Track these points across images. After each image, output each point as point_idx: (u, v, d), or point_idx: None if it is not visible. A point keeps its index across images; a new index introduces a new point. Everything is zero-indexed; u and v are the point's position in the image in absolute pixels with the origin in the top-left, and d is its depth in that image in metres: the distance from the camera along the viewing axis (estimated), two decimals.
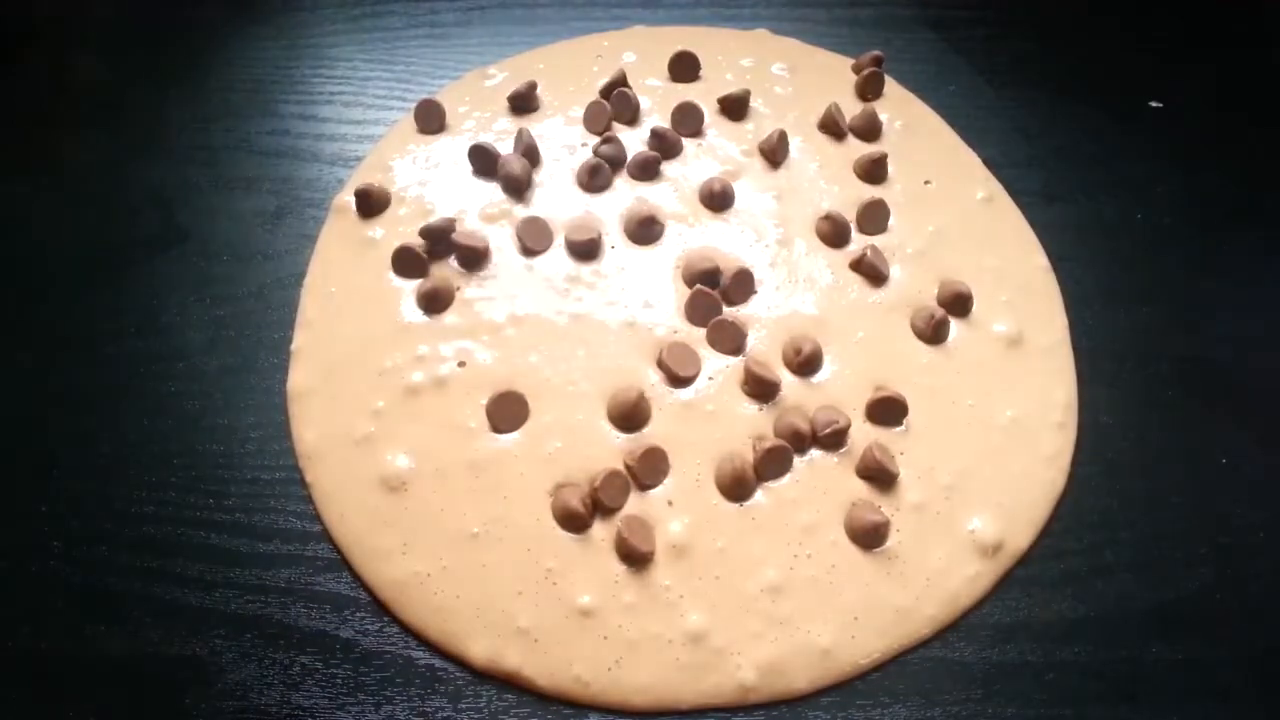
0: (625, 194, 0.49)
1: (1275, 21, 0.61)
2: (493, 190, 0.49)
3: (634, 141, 0.51)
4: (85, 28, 0.60)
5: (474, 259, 0.46)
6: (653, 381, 0.42)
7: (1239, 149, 0.54)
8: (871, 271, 0.46)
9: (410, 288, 0.45)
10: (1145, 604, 0.38)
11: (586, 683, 0.35)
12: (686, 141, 0.51)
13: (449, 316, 0.44)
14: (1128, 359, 0.45)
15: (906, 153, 0.51)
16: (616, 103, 0.52)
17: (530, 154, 0.50)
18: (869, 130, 0.52)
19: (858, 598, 0.37)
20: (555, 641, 0.36)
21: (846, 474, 0.40)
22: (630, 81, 0.53)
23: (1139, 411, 0.44)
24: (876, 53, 0.55)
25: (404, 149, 0.51)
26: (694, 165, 0.50)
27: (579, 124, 0.52)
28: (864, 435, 0.41)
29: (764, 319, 0.44)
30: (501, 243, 0.47)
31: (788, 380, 0.43)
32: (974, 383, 0.43)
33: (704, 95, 0.53)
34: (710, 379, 0.42)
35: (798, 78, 0.55)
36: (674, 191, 0.49)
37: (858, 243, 0.48)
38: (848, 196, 0.49)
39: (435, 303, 0.45)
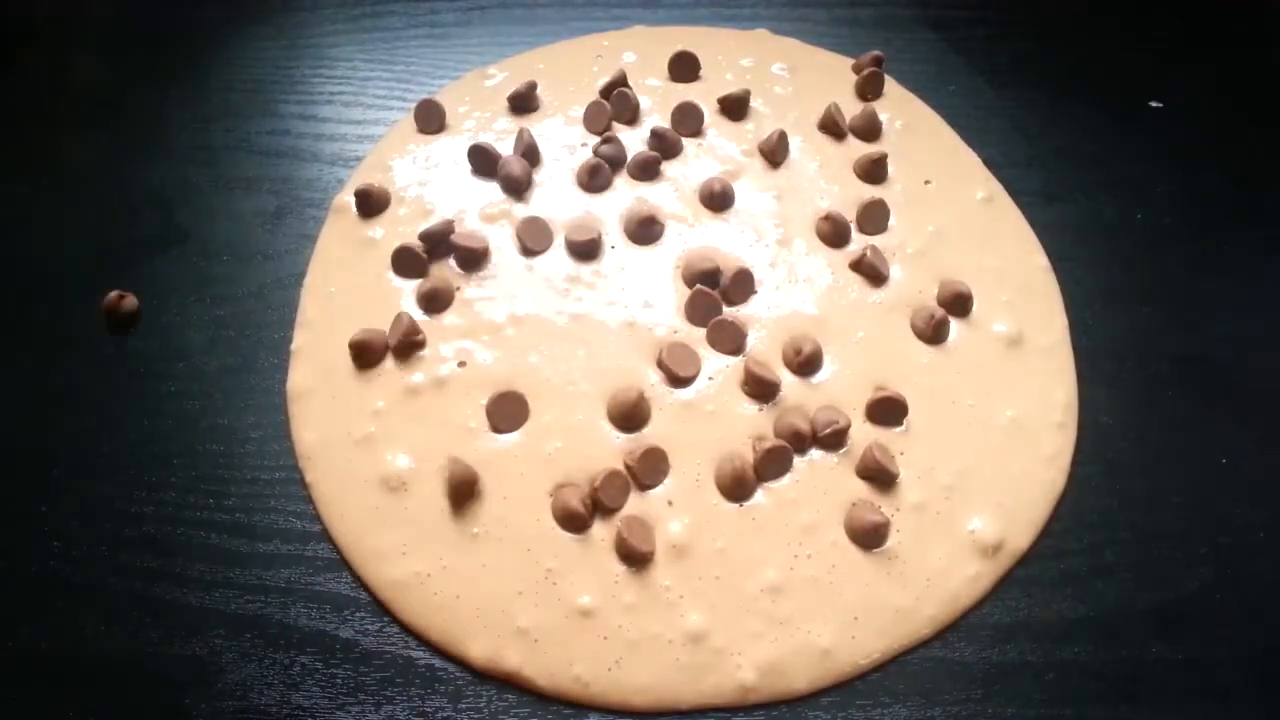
0: (625, 194, 0.49)
1: (1275, 21, 0.61)
2: (492, 190, 0.49)
3: (634, 141, 0.51)
4: (85, 28, 0.60)
5: (473, 260, 0.46)
6: (653, 381, 0.42)
7: (1239, 149, 0.54)
8: (871, 271, 0.46)
9: (410, 288, 0.45)
10: (1145, 604, 0.38)
11: (586, 683, 0.35)
12: (686, 141, 0.51)
13: (449, 316, 0.44)
14: (1128, 359, 0.45)
15: (906, 153, 0.51)
16: (616, 103, 0.52)
17: (530, 154, 0.50)
18: (869, 130, 0.52)
19: (858, 598, 0.37)
20: (555, 641, 0.36)
21: (846, 474, 0.40)
22: (630, 81, 0.53)
23: (1139, 411, 0.44)
24: (876, 53, 0.55)
25: (404, 149, 0.51)
26: (694, 165, 0.50)
27: (579, 124, 0.52)
28: (864, 435, 0.41)
29: (764, 319, 0.44)
30: (501, 243, 0.47)
31: (788, 380, 0.43)
32: (974, 383, 0.43)
33: (704, 95, 0.53)
34: (710, 379, 0.42)
35: (798, 78, 0.55)
36: (674, 191, 0.49)
37: (858, 243, 0.48)
38: (848, 196, 0.49)
39: (435, 303, 0.45)
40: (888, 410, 0.42)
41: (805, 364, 0.43)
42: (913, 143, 0.52)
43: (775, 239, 0.47)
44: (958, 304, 0.45)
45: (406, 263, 0.46)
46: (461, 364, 0.43)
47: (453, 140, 0.51)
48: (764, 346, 0.44)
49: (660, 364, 0.43)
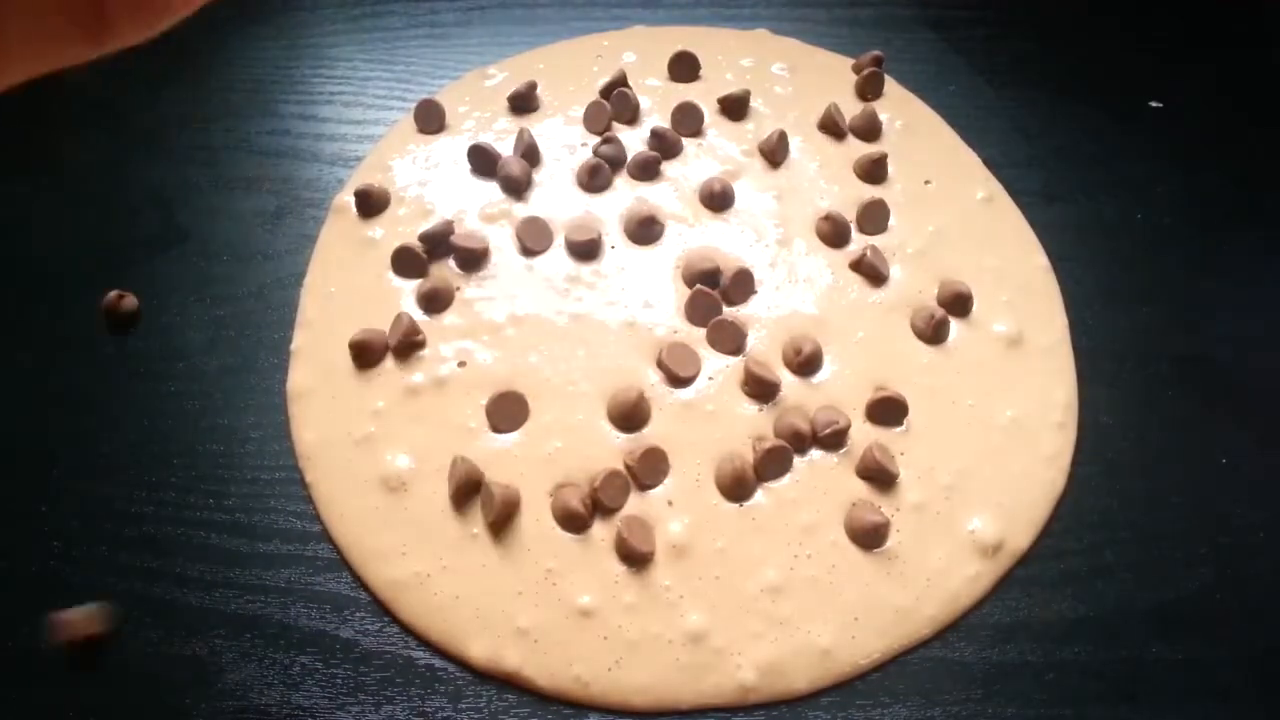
0: (625, 194, 0.49)
1: (1275, 21, 0.61)
2: (492, 190, 0.49)
3: (634, 141, 0.51)
4: None
5: (472, 261, 0.46)
6: (653, 381, 0.42)
7: (1239, 149, 0.54)
8: (871, 271, 0.46)
9: (410, 288, 0.45)
10: (1145, 604, 0.38)
11: (586, 683, 0.35)
12: (686, 141, 0.51)
13: (449, 316, 0.44)
14: (1128, 359, 0.45)
15: (906, 153, 0.51)
16: (616, 103, 0.52)
17: (530, 154, 0.50)
18: (869, 130, 0.52)
19: (858, 598, 0.37)
20: (555, 641, 0.36)
21: (846, 474, 0.40)
22: (630, 81, 0.53)
23: (1139, 411, 0.44)
24: (876, 53, 0.55)
25: (404, 149, 0.51)
26: (694, 165, 0.50)
27: (579, 124, 0.52)
28: (864, 435, 0.41)
29: (764, 319, 0.44)
30: (501, 243, 0.47)
31: (788, 380, 0.43)
32: (974, 383, 0.43)
33: (704, 95, 0.53)
34: (710, 379, 0.42)
35: (798, 78, 0.55)
36: (674, 191, 0.49)
37: (858, 243, 0.48)
38: (848, 196, 0.49)
39: (435, 303, 0.45)
40: (888, 410, 0.42)
41: (805, 364, 0.43)
42: (913, 143, 0.52)
43: (775, 239, 0.47)
44: (958, 304, 0.45)
45: (406, 263, 0.46)
46: (461, 364, 0.43)
47: (453, 140, 0.51)
48: (764, 346, 0.44)
49: (660, 364, 0.42)
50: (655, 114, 0.52)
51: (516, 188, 0.48)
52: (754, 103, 0.53)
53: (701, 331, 0.44)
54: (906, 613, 0.37)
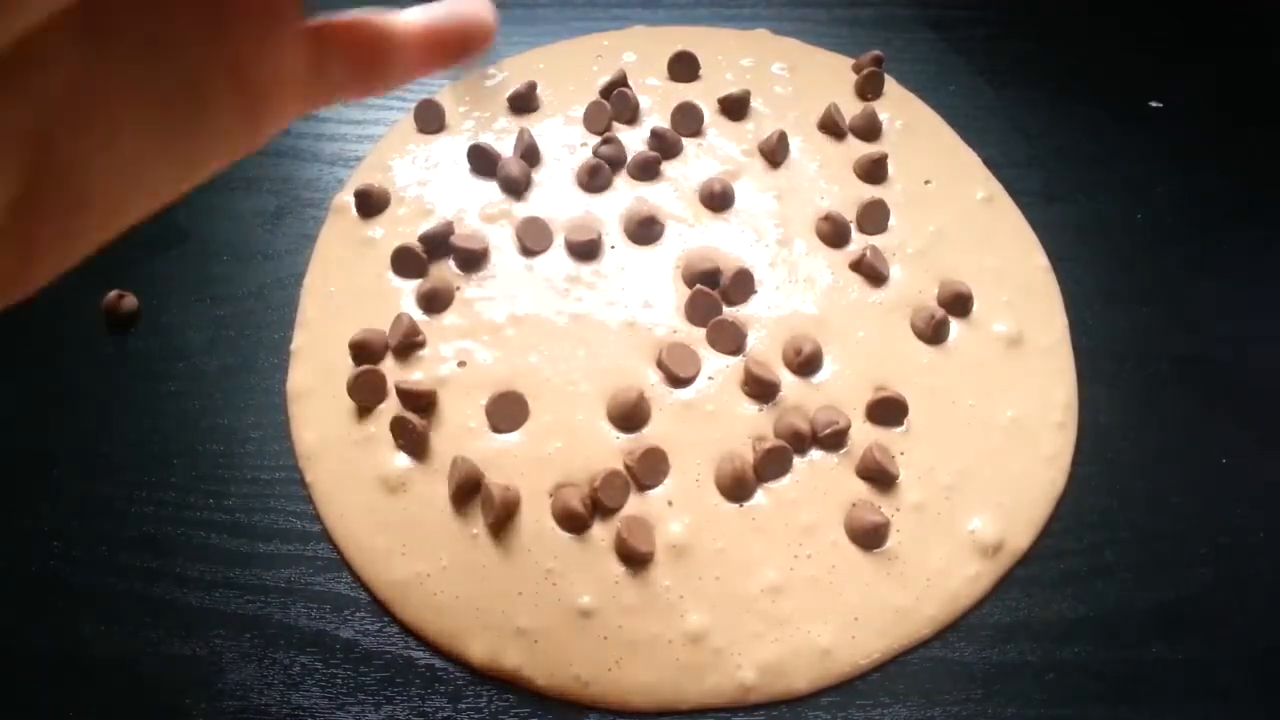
0: (625, 194, 0.49)
1: (1275, 21, 0.61)
2: (492, 190, 0.49)
3: (634, 141, 0.51)
4: None
5: (472, 261, 0.46)
6: (653, 381, 0.42)
7: (1239, 149, 0.54)
8: (871, 271, 0.46)
9: (410, 288, 0.45)
10: (1145, 604, 0.38)
11: (586, 683, 0.35)
12: (686, 141, 0.51)
13: (449, 316, 0.44)
14: (1128, 359, 0.45)
15: (906, 153, 0.51)
16: (616, 103, 0.52)
17: (530, 154, 0.50)
18: (869, 130, 0.52)
19: (858, 598, 0.37)
20: (555, 642, 0.36)
21: (846, 474, 0.40)
22: (630, 81, 0.53)
23: (1139, 411, 0.44)
24: (876, 53, 0.55)
25: (404, 149, 0.51)
26: (694, 165, 0.50)
27: (579, 124, 0.52)
28: (864, 435, 0.41)
29: (764, 319, 0.44)
30: (501, 243, 0.47)
31: (788, 380, 0.43)
32: (974, 383, 0.43)
33: (704, 95, 0.53)
34: (710, 379, 0.42)
35: (798, 78, 0.55)
36: (674, 191, 0.49)
37: (858, 243, 0.48)
38: (848, 196, 0.49)
39: (435, 303, 0.45)
40: (888, 410, 0.42)
41: (805, 364, 0.43)
42: (913, 143, 0.52)
43: (775, 239, 0.47)
44: (958, 304, 0.45)
45: (406, 263, 0.46)
46: (461, 364, 0.43)
47: (452, 140, 0.51)
48: (764, 346, 0.44)
49: (660, 364, 0.42)
50: (655, 114, 0.52)
51: (516, 188, 0.48)
52: (754, 103, 0.53)
53: (701, 331, 0.44)
54: (906, 613, 0.37)
